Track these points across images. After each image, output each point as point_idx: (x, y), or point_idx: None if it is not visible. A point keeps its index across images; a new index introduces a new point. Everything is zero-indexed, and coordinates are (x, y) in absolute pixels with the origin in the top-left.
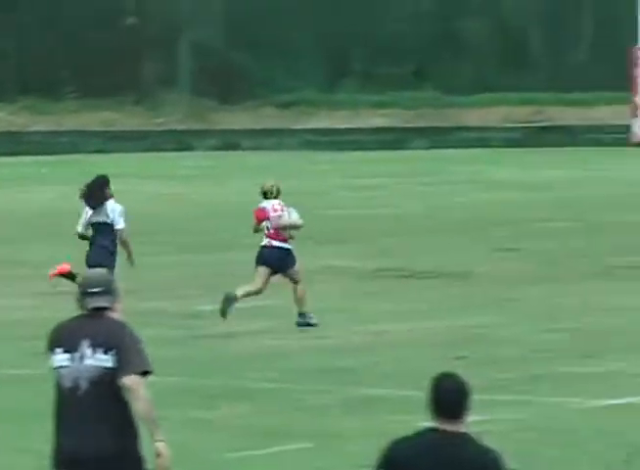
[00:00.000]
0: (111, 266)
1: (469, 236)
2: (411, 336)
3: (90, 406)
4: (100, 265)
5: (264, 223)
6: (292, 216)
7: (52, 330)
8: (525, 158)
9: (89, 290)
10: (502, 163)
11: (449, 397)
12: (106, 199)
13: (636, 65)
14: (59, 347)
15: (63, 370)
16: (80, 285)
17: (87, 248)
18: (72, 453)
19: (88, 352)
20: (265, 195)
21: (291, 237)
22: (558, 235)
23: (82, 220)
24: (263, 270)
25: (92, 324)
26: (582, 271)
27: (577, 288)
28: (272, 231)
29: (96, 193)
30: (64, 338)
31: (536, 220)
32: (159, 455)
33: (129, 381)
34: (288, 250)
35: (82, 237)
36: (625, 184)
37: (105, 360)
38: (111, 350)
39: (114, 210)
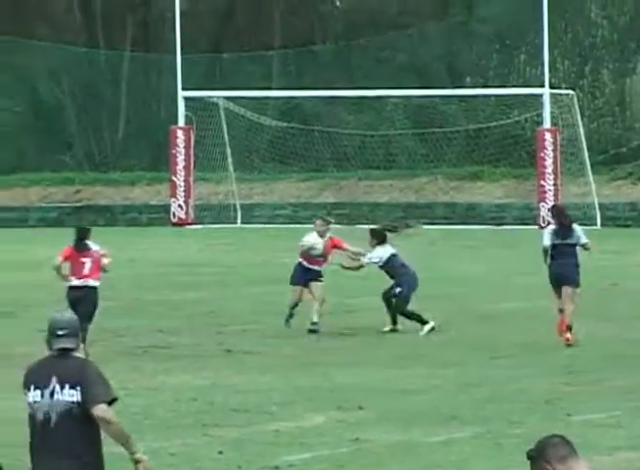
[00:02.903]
0: (578, 280)
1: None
2: None
3: (60, 438)
4: (570, 278)
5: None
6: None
7: (28, 368)
8: (64, 237)
9: (57, 332)
10: (42, 242)
11: None
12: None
13: (176, 144)
14: (32, 384)
15: (35, 405)
16: (50, 326)
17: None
18: None
19: (57, 388)
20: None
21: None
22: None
23: (547, 237)
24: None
25: (60, 363)
26: (118, 350)
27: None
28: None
29: (566, 218)
30: (36, 376)
31: None
32: (139, 462)
33: (99, 410)
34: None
35: (546, 252)
36: (167, 264)
37: (72, 395)
38: (77, 385)
39: (578, 230)
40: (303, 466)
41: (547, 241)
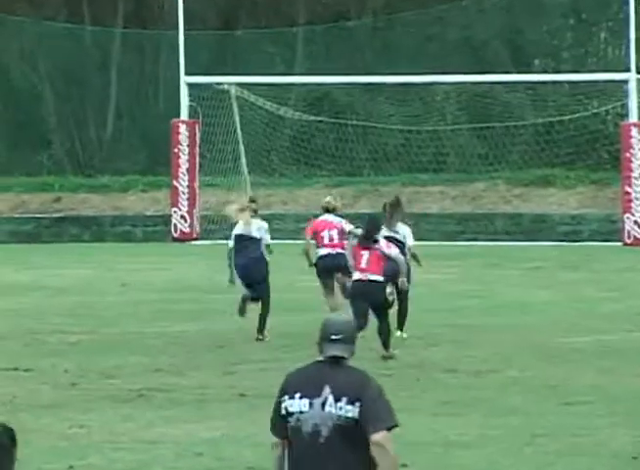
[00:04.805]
0: None
1: None
2: None
3: (330, 455)
4: None
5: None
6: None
7: (289, 374)
8: (40, 255)
9: (331, 336)
10: (13, 261)
11: None
12: None
13: (178, 142)
14: (297, 392)
15: (302, 416)
16: (322, 329)
17: None
18: None
19: (330, 399)
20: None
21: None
22: (76, 351)
23: None
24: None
25: (334, 372)
26: (106, 395)
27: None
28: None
29: None
30: (302, 384)
31: (54, 332)
32: None
33: (380, 437)
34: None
35: None
36: (166, 289)
37: (349, 411)
38: (356, 401)
39: None
40: None
41: None
